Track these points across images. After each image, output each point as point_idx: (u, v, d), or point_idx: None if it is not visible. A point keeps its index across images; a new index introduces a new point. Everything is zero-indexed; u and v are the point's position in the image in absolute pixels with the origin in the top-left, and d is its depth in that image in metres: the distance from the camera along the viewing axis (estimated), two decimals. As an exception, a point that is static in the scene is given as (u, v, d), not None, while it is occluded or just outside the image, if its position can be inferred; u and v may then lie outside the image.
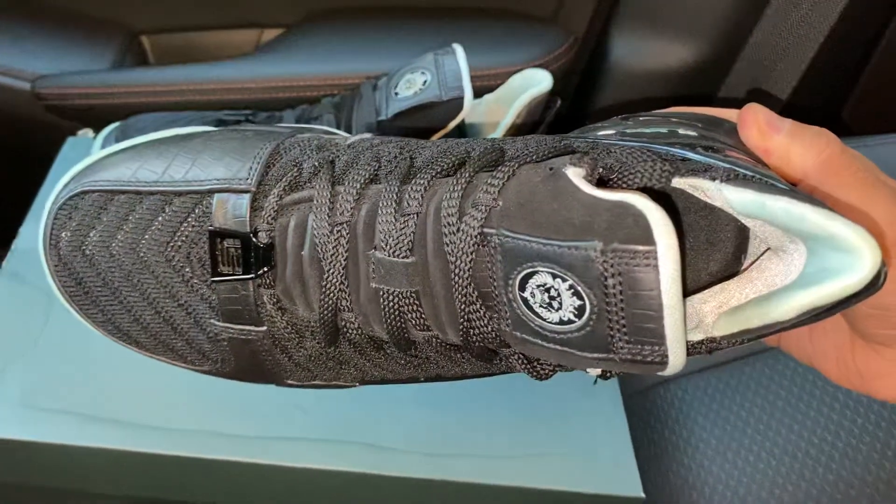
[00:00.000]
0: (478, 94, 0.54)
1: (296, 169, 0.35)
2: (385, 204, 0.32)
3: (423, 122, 0.51)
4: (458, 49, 0.53)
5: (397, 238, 0.32)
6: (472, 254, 0.30)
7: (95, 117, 0.76)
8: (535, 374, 0.33)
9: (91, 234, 0.36)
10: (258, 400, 0.49)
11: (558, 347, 0.29)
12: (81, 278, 0.37)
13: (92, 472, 0.49)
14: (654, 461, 0.58)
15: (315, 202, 0.34)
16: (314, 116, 0.55)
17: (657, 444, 0.58)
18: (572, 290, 0.27)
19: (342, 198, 0.33)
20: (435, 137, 0.52)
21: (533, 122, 0.53)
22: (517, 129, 0.52)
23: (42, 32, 0.81)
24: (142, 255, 0.36)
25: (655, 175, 0.29)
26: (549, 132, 0.54)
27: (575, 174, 0.28)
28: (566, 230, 0.27)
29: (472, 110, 0.51)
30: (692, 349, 0.29)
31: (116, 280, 0.36)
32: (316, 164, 0.35)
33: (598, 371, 0.30)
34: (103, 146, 0.57)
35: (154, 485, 0.51)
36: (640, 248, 0.26)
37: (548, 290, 0.28)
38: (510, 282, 0.29)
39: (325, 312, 0.34)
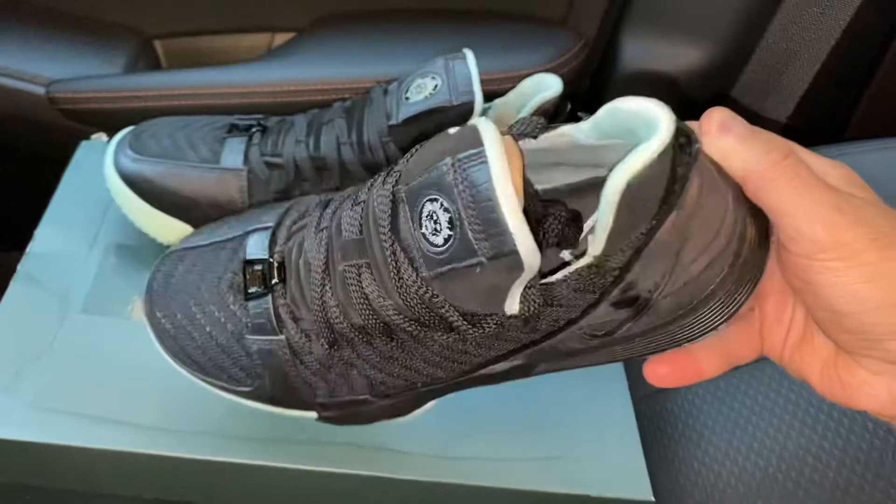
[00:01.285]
0: (488, 97, 0.54)
1: (304, 207, 0.43)
2: (347, 201, 0.39)
3: (433, 126, 0.51)
4: (469, 54, 0.53)
5: (350, 222, 0.38)
6: (388, 211, 0.35)
7: (109, 121, 0.77)
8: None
9: (173, 278, 0.45)
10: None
11: (449, 268, 0.33)
12: (164, 314, 0.45)
13: (104, 473, 0.50)
14: (663, 464, 0.58)
15: (308, 221, 0.41)
16: (325, 121, 0.55)
17: (667, 447, 0.58)
18: (442, 207, 0.32)
19: (326, 213, 0.41)
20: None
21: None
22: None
23: (56, 38, 0.81)
24: (202, 289, 0.44)
25: (529, 127, 0.35)
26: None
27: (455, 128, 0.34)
28: (435, 160, 0.33)
29: (483, 115, 0.51)
30: (590, 276, 0.33)
31: (188, 312, 0.44)
32: (316, 202, 0.43)
33: (516, 308, 0.33)
34: (116, 150, 0.57)
35: (165, 486, 0.51)
36: (473, 150, 0.31)
37: (431, 217, 0.33)
38: (414, 224, 0.34)
39: (315, 306, 0.39)
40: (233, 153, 0.55)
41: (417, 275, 0.34)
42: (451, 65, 0.53)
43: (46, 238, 0.58)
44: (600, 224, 0.31)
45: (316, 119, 0.56)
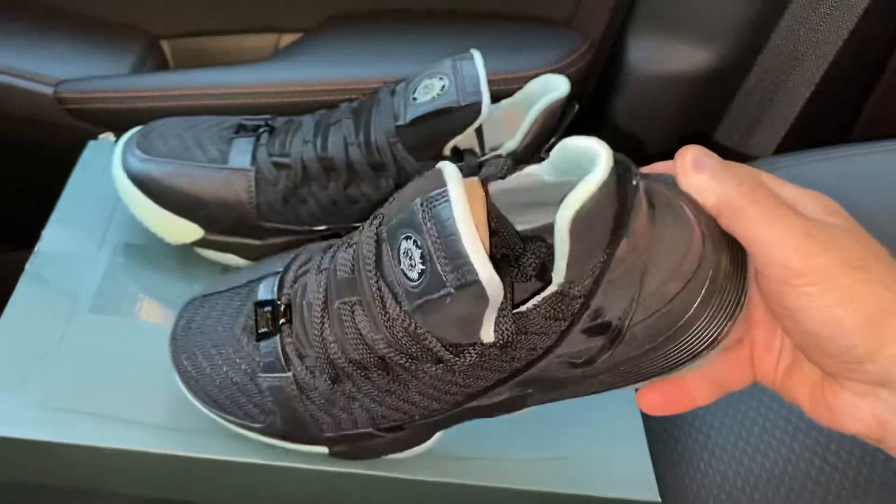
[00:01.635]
0: (495, 98, 0.54)
1: (309, 254, 0.46)
2: (344, 244, 0.42)
3: (440, 127, 0.51)
4: (476, 55, 0.53)
5: (344, 262, 0.40)
6: (373, 250, 0.38)
7: (116, 121, 0.77)
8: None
9: (194, 323, 0.48)
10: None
11: (424, 300, 0.35)
12: (187, 356, 0.47)
13: (112, 472, 0.50)
14: (670, 466, 0.58)
15: (311, 264, 0.44)
16: (333, 122, 0.55)
17: (674, 449, 0.58)
18: (415, 244, 0.35)
19: (327, 255, 0.43)
20: (452, 142, 0.52)
21: (550, 127, 0.53)
22: (534, 134, 0.52)
23: (64, 38, 0.81)
24: (219, 332, 0.47)
25: (497, 169, 0.38)
26: (566, 136, 0.55)
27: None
28: (409, 201, 0.36)
29: (490, 115, 0.51)
30: (558, 304, 0.34)
31: (207, 353, 0.46)
32: (321, 247, 0.46)
33: (492, 336, 0.36)
34: (124, 150, 0.57)
35: (172, 486, 0.51)
36: (438, 190, 0.34)
37: (407, 254, 0.36)
38: (394, 261, 0.37)
39: (316, 343, 0.42)
40: (240, 153, 0.56)
41: (401, 308, 0.37)
42: (458, 65, 0.53)
43: (54, 237, 0.58)
44: (558, 253, 0.33)
45: (323, 119, 0.56)
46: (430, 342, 0.37)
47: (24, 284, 0.55)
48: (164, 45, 0.86)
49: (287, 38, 0.86)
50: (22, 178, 0.86)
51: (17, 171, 0.86)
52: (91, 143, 0.67)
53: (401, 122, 0.52)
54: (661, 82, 0.85)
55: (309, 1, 0.84)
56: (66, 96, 0.77)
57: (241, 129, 0.57)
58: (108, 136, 0.68)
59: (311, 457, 0.48)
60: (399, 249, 0.36)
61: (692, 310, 0.35)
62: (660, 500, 0.50)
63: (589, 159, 0.32)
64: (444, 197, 0.34)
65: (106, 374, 0.51)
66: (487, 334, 0.36)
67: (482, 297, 0.34)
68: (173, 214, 0.56)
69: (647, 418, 0.54)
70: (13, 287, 0.55)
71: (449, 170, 0.35)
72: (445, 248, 0.34)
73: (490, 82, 0.52)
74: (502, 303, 0.35)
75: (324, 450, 0.46)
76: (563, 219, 0.31)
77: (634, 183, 0.33)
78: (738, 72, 0.86)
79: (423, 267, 0.35)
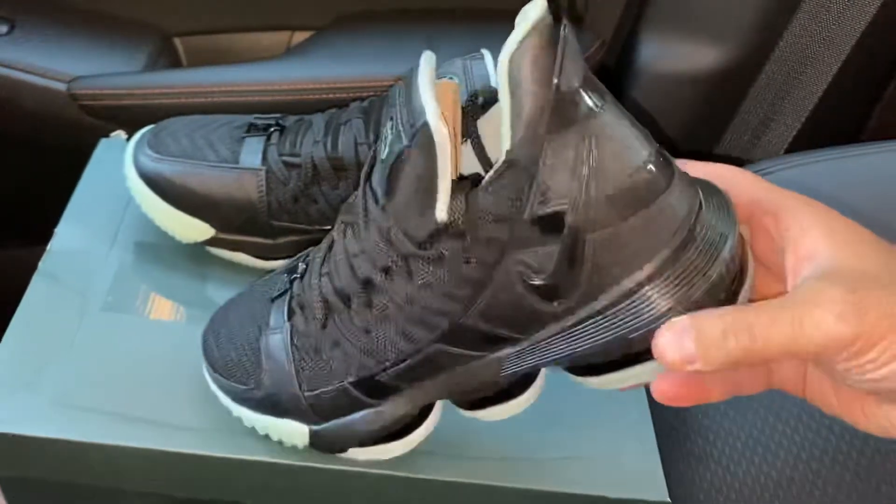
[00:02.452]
0: (506, 97, 0.54)
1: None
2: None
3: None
4: (487, 54, 0.53)
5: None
6: (369, 165, 0.42)
7: (129, 117, 0.77)
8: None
9: (219, 314, 0.52)
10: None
11: (389, 169, 0.38)
12: (211, 330, 0.51)
13: (124, 469, 0.50)
14: (679, 465, 0.58)
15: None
16: (343, 121, 0.55)
17: (682, 447, 0.58)
18: (390, 120, 0.39)
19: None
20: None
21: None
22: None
23: (78, 35, 0.82)
24: (242, 311, 0.50)
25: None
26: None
27: None
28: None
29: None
30: (507, 177, 0.35)
31: (226, 322, 0.50)
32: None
33: (445, 213, 0.36)
34: (136, 149, 0.58)
35: (185, 483, 0.52)
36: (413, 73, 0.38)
37: (385, 139, 0.39)
38: (379, 156, 0.40)
39: (315, 282, 0.44)
40: (251, 153, 0.56)
41: (377, 204, 0.40)
42: (469, 65, 0.53)
43: (67, 236, 0.59)
44: (503, 113, 0.33)
45: (334, 119, 0.56)
46: (399, 242, 0.39)
47: (37, 282, 0.55)
48: (177, 42, 0.87)
49: (299, 37, 0.86)
50: (35, 174, 0.87)
51: (30, 167, 0.87)
52: (103, 141, 0.67)
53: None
54: (672, 81, 0.85)
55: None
56: (79, 92, 0.78)
57: (251, 129, 0.58)
58: (120, 134, 0.69)
59: (319, 455, 0.48)
60: (384, 142, 0.40)
61: (656, 259, 0.34)
62: (669, 500, 0.50)
63: (523, 19, 0.33)
64: (414, 72, 0.38)
65: (118, 372, 0.51)
66: (441, 211, 0.36)
67: (430, 145, 0.35)
68: (185, 214, 0.56)
69: (656, 418, 0.54)
70: (26, 284, 0.55)
71: (425, 54, 0.39)
72: (407, 105, 0.37)
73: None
74: (452, 173, 0.36)
75: (304, 428, 0.46)
76: (500, 70, 0.32)
77: (565, 32, 0.32)
78: (750, 71, 0.86)
79: (391, 135, 0.38)
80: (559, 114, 0.32)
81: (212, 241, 0.58)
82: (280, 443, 0.48)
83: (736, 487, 0.56)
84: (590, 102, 0.33)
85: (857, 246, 0.33)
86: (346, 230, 0.43)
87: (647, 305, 0.35)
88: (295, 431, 0.47)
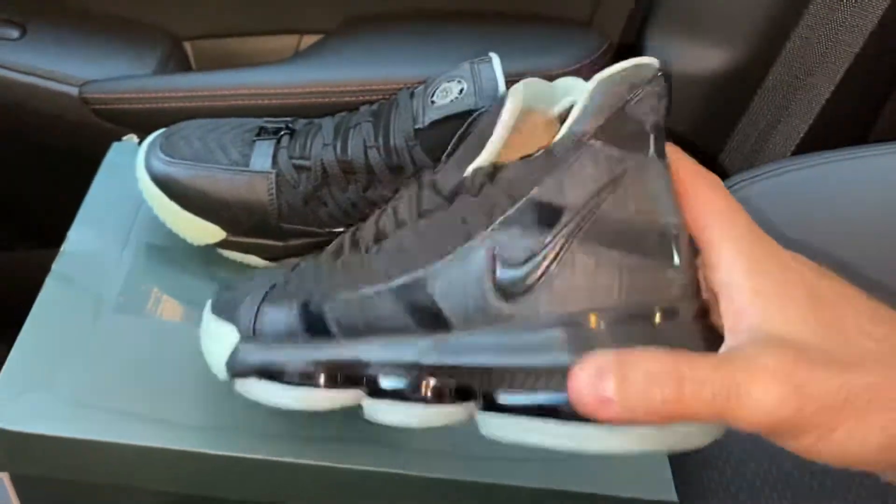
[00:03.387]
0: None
1: None
2: None
3: (459, 129, 0.52)
4: (495, 58, 0.54)
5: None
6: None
7: (140, 121, 0.78)
8: None
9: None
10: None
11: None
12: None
13: (137, 468, 0.51)
14: (687, 465, 0.58)
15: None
16: (352, 125, 0.56)
17: (692, 460, 0.58)
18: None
19: None
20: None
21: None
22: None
23: (89, 39, 0.83)
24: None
25: None
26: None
27: None
28: None
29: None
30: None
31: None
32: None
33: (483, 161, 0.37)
34: (148, 152, 0.58)
35: (196, 482, 0.52)
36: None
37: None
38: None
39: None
40: (262, 156, 0.56)
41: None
42: (477, 68, 0.53)
43: (80, 238, 0.59)
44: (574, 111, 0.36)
45: (343, 122, 0.57)
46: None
47: (50, 284, 0.56)
48: (187, 46, 0.87)
49: (308, 40, 0.86)
50: (48, 178, 0.88)
51: (43, 170, 0.88)
52: (115, 145, 0.67)
53: (419, 125, 0.53)
54: (680, 82, 0.85)
55: (329, 3, 0.85)
56: (91, 97, 0.78)
57: (262, 132, 0.58)
58: (132, 138, 0.69)
59: (331, 453, 0.48)
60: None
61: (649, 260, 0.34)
62: (677, 499, 0.50)
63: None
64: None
65: (130, 372, 0.52)
66: (470, 169, 0.37)
67: (497, 112, 0.37)
68: (196, 216, 0.57)
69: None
70: (40, 285, 0.56)
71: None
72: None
73: (509, 84, 0.52)
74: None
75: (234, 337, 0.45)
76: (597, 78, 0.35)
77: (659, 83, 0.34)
78: (758, 72, 0.86)
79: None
80: (611, 132, 0.33)
81: (223, 244, 0.58)
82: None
83: (744, 488, 0.56)
84: (645, 145, 0.33)
85: (786, 304, 0.31)
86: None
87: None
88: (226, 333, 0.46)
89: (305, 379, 0.42)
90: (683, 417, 0.30)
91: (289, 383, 0.43)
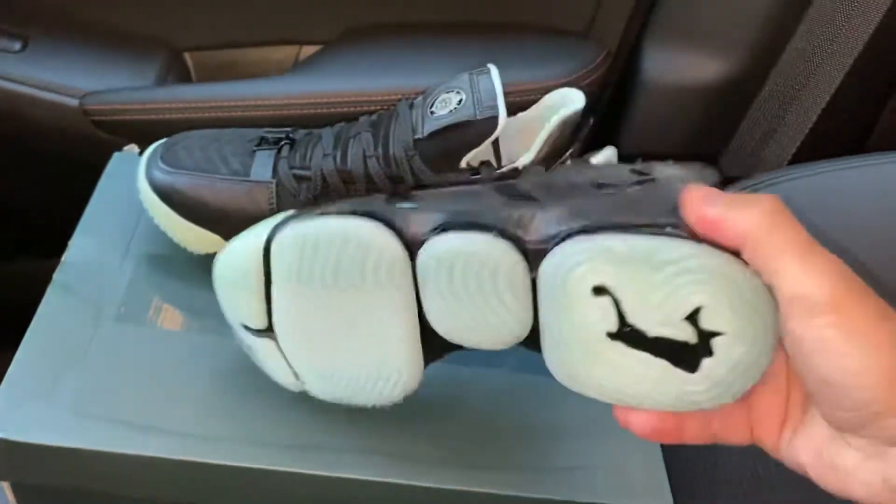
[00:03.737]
0: (513, 108, 0.54)
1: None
2: None
3: (457, 140, 0.52)
4: (493, 69, 0.54)
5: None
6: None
7: (140, 132, 0.78)
8: None
9: None
10: (300, 411, 0.51)
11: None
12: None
13: (138, 478, 0.51)
14: (685, 475, 0.58)
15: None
16: (352, 135, 0.56)
17: (688, 456, 0.59)
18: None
19: None
20: (470, 155, 0.53)
21: (566, 140, 0.54)
22: (550, 147, 0.53)
23: (90, 51, 0.83)
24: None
25: None
26: (582, 149, 0.55)
27: None
28: None
29: (506, 129, 0.52)
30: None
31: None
32: None
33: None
34: (149, 162, 0.59)
35: (197, 491, 0.52)
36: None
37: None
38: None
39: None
40: (262, 166, 0.57)
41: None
42: (475, 79, 0.54)
43: (81, 248, 0.60)
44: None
45: (343, 132, 0.57)
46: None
47: (51, 294, 0.56)
48: (187, 57, 0.88)
49: (307, 51, 0.87)
50: (49, 188, 0.88)
51: (44, 181, 0.88)
52: (116, 155, 0.68)
53: (419, 136, 0.53)
54: (676, 93, 0.85)
55: (329, 14, 0.85)
56: (91, 108, 0.79)
57: (262, 142, 0.58)
58: (133, 149, 0.70)
59: (332, 463, 0.49)
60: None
61: None
62: (674, 509, 0.50)
63: None
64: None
65: (132, 382, 0.52)
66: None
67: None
68: (197, 226, 0.57)
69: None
70: (41, 295, 0.56)
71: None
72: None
73: (507, 94, 0.52)
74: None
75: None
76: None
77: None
78: (754, 82, 0.87)
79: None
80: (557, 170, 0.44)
81: (223, 253, 0.58)
82: None
83: (741, 496, 0.56)
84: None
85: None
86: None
87: None
88: None
89: None
90: (770, 240, 0.32)
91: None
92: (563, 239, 0.37)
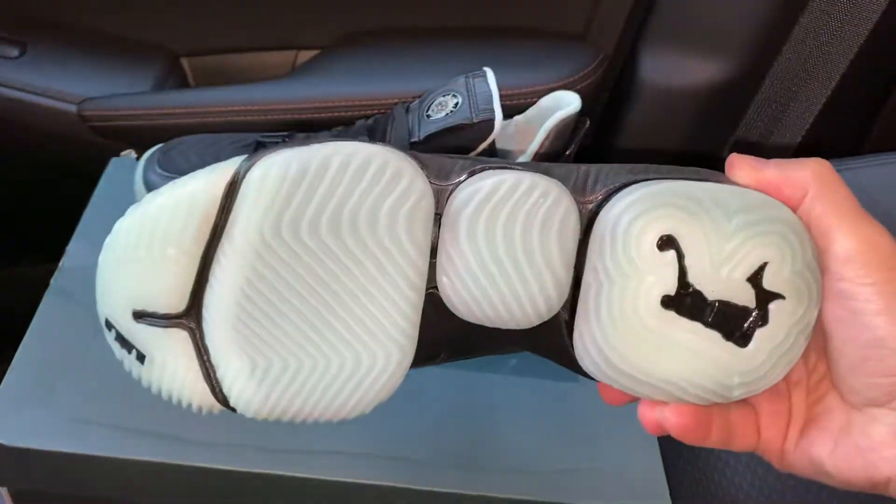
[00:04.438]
0: (510, 111, 0.55)
1: None
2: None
3: (454, 143, 0.52)
4: (489, 72, 0.54)
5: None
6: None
7: (138, 138, 0.78)
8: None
9: None
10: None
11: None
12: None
13: (136, 483, 0.51)
14: (683, 477, 0.58)
15: None
16: (349, 139, 0.56)
17: (687, 460, 0.59)
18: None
19: None
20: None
21: (561, 143, 0.54)
22: (546, 150, 0.53)
23: (87, 57, 0.83)
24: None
25: None
26: (578, 153, 0.56)
27: None
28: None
29: (502, 132, 0.52)
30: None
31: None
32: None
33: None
34: (146, 167, 0.59)
35: (196, 497, 0.52)
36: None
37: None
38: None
39: None
40: (259, 170, 0.57)
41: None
42: (471, 83, 0.54)
43: (78, 253, 0.60)
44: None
45: (340, 137, 0.57)
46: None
47: (49, 299, 0.56)
48: (185, 62, 0.88)
49: (304, 56, 0.87)
50: (47, 194, 0.88)
51: (42, 186, 0.88)
52: (113, 160, 0.68)
53: (415, 139, 0.53)
54: (673, 95, 0.85)
55: (326, 18, 0.85)
56: (89, 114, 0.79)
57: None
58: (130, 154, 0.70)
59: (333, 468, 0.49)
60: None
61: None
62: (672, 511, 0.50)
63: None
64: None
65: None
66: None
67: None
68: (194, 230, 0.57)
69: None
70: (39, 300, 0.56)
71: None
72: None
73: (504, 97, 0.53)
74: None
75: None
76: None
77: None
78: (750, 84, 0.87)
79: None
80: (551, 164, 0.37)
81: (220, 258, 0.58)
82: None
83: (741, 500, 0.56)
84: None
85: None
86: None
87: None
88: None
89: None
90: (827, 194, 0.33)
91: None
92: (624, 187, 0.34)
